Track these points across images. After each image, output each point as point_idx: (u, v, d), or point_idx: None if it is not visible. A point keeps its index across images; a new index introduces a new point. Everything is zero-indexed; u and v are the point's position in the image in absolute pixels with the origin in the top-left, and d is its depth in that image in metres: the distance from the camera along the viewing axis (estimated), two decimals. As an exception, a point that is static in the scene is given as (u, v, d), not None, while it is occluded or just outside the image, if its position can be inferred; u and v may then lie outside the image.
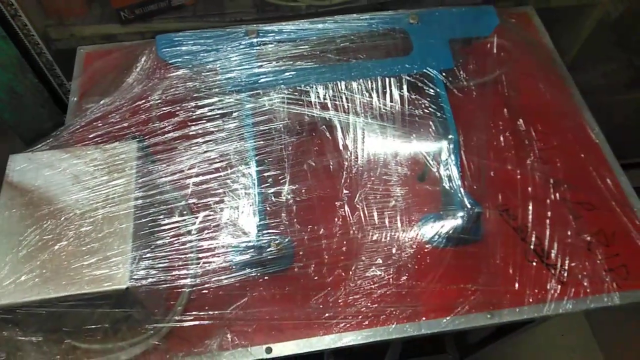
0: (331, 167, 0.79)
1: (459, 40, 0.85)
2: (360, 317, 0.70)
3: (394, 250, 0.74)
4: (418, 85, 0.80)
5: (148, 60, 0.83)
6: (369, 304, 0.70)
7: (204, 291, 0.69)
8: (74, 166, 0.67)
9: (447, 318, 0.70)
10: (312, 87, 0.78)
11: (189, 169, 0.72)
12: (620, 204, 0.80)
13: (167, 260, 0.65)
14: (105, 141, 0.73)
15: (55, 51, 1.04)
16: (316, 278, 0.72)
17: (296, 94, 0.78)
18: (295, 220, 0.74)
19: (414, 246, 0.75)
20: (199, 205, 0.72)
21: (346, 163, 0.78)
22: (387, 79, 0.79)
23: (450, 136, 0.76)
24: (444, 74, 0.80)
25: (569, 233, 0.77)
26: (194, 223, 0.70)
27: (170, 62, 0.80)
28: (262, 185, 0.73)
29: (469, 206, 0.71)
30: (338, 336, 0.69)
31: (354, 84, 0.79)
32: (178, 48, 0.80)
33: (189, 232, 0.70)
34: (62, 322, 0.63)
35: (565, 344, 1.55)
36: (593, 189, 0.82)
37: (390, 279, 0.72)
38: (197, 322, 0.67)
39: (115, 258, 0.60)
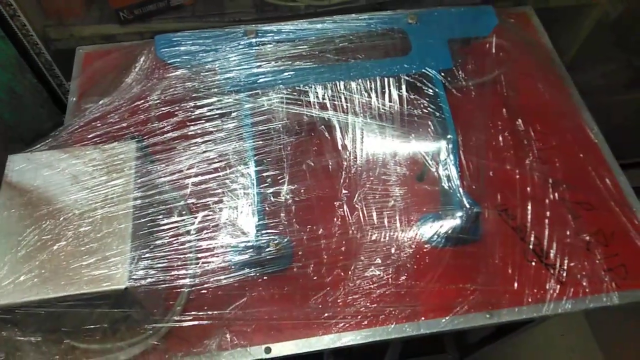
0: (330, 167, 0.79)
1: (458, 40, 0.85)
2: (359, 317, 0.70)
3: (393, 250, 0.74)
4: (417, 85, 0.80)
5: (147, 60, 0.83)
6: (368, 304, 0.70)
7: (203, 291, 0.68)
8: (72, 166, 0.67)
9: (446, 318, 0.70)
10: (311, 87, 0.78)
11: (187, 169, 0.72)
12: (619, 204, 0.81)
13: (166, 260, 0.65)
14: (104, 141, 0.73)
15: (55, 51, 1.04)
16: (315, 278, 0.72)
17: (295, 94, 0.78)
18: (294, 220, 0.74)
19: (413, 246, 0.75)
20: (198, 205, 0.72)
21: (345, 163, 0.78)
22: (385, 79, 0.79)
23: (449, 136, 0.76)
24: (442, 74, 0.80)
25: (568, 233, 0.77)
26: (193, 223, 0.70)
27: (169, 62, 0.80)
28: (261, 185, 0.73)
29: (467, 206, 0.71)
30: (337, 336, 0.69)
31: (353, 84, 0.79)
32: (177, 48, 0.80)
33: (187, 232, 0.69)
34: (61, 322, 0.63)
35: (565, 344, 1.55)
36: (592, 189, 0.82)
37: (389, 279, 0.72)
38: (196, 322, 0.67)
39: (114, 258, 0.60)
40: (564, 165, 0.83)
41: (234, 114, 0.77)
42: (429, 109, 0.80)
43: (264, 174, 0.74)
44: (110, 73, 0.87)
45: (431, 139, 0.80)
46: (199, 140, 0.75)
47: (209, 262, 0.69)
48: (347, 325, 0.69)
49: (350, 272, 0.72)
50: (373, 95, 0.79)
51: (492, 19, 0.86)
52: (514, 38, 0.90)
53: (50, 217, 0.63)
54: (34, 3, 0.98)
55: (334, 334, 0.69)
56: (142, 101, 0.79)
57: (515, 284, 0.72)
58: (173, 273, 0.66)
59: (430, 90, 0.80)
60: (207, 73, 0.79)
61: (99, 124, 0.76)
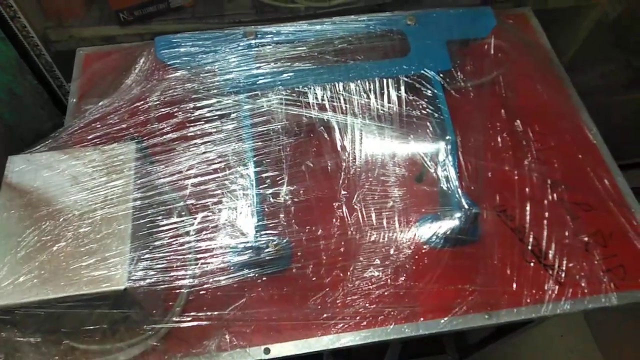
0: (329, 168, 0.79)
1: (457, 42, 0.85)
2: (358, 317, 0.70)
3: (391, 251, 0.74)
4: (416, 86, 0.81)
5: (147, 61, 0.84)
6: (367, 305, 0.70)
7: (202, 292, 0.69)
8: (72, 167, 0.67)
9: (445, 319, 0.70)
10: (310, 88, 0.78)
11: (187, 170, 0.72)
12: (618, 204, 0.81)
13: (165, 261, 0.66)
14: (104, 142, 0.74)
15: (55, 53, 1.04)
16: (314, 279, 0.72)
17: (294, 95, 0.78)
18: (293, 221, 0.74)
19: (412, 247, 0.75)
20: (198, 206, 0.72)
21: (344, 164, 0.78)
22: (384, 80, 0.79)
23: (447, 137, 0.76)
24: (441, 75, 0.80)
25: (566, 234, 0.77)
26: (193, 224, 0.71)
27: (168, 63, 0.80)
28: (260, 186, 0.73)
29: (466, 207, 0.71)
30: (336, 337, 0.69)
31: (352, 85, 0.79)
32: (176, 49, 0.80)
33: (187, 233, 0.70)
34: (61, 322, 0.63)
35: (564, 345, 1.55)
36: (591, 190, 0.82)
37: (388, 280, 0.72)
38: (195, 323, 0.67)
39: (114, 259, 0.60)
40: (563, 166, 0.83)
41: (233, 115, 0.77)
42: (427, 110, 0.80)
43: (263, 175, 0.74)
44: (110, 74, 0.87)
45: (430, 140, 0.80)
46: (198, 141, 0.75)
47: (208, 263, 0.69)
48: (346, 326, 0.69)
49: (349, 273, 0.72)
50: (372, 96, 0.79)
51: (490, 20, 0.86)
52: (512, 39, 0.90)
53: (50, 218, 0.63)
54: (34, 4, 0.99)
55: (333, 335, 0.69)
56: (142, 102, 0.79)
57: (514, 285, 0.72)
58: (172, 274, 0.66)
59: (429, 92, 0.80)
60: (206, 74, 0.79)
61: (99, 125, 0.76)
